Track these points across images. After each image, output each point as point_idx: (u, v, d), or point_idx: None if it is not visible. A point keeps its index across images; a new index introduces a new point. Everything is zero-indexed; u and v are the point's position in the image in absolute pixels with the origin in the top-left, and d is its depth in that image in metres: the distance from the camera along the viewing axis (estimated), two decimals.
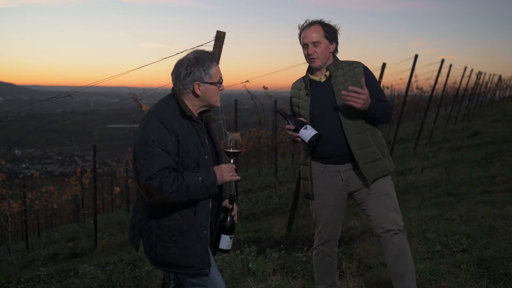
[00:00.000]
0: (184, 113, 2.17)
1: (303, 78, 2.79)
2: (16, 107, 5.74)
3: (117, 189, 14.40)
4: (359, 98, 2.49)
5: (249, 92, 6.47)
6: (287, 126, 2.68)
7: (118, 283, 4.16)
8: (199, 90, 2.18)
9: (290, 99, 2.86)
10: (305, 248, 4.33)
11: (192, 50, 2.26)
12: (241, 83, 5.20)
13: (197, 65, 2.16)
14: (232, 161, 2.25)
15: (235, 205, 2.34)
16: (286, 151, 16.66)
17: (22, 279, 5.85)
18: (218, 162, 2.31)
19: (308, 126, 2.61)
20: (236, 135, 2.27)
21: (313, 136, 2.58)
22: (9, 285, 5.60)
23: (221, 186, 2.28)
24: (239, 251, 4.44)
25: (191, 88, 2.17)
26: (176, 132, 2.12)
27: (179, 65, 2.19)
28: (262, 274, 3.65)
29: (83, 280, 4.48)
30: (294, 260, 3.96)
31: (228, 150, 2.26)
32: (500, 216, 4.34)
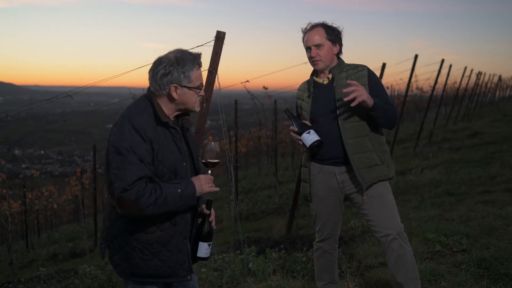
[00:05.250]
0: (160, 119, 2.01)
1: (308, 80, 2.80)
2: (16, 107, 5.75)
3: None
4: (357, 90, 2.45)
5: (249, 92, 6.47)
6: (291, 127, 2.68)
7: (118, 283, 4.16)
8: (176, 93, 2.01)
9: (296, 101, 2.88)
10: (305, 248, 4.33)
11: (191, 49, 2.20)
12: (241, 83, 5.20)
13: (176, 66, 1.98)
14: (210, 172, 2.15)
15: (212, 211, 2.22)
16: (286, 151, 16.65)
17: (22, 279, 5.85)
18: (194, 168, 2.19)
19: (312, 131, 2.61)
20: (215, 145, 2.16)
21: (314, 142, 2.59)
22: (9, 285, 5.60)
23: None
24: (239, 251, 4.44)
25: (167, 90, 2.00)
26: (150, 139, 1.96)
27: (157, 63, 2.01)
28: (262, 274, 3.65)
29: (83, 280, 4.48)
30: (294, 260, 3.96)
31: (206, 161, 2.15)
32: (500, 216, 4.34)
